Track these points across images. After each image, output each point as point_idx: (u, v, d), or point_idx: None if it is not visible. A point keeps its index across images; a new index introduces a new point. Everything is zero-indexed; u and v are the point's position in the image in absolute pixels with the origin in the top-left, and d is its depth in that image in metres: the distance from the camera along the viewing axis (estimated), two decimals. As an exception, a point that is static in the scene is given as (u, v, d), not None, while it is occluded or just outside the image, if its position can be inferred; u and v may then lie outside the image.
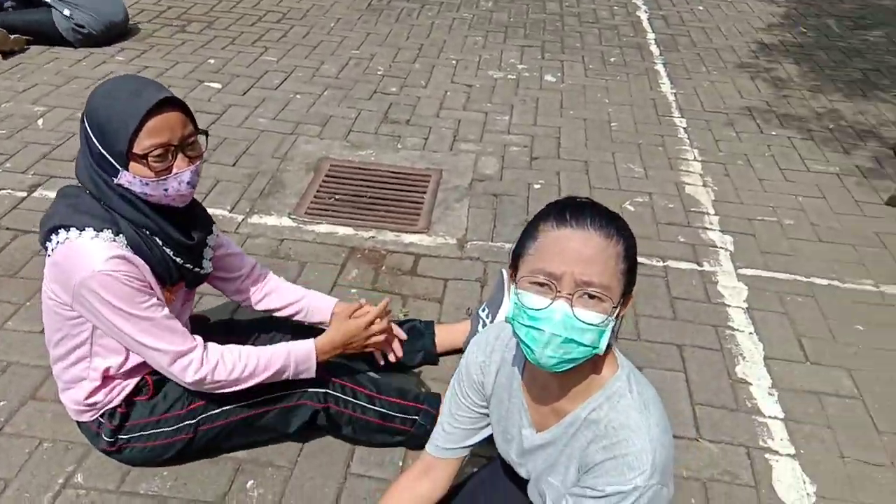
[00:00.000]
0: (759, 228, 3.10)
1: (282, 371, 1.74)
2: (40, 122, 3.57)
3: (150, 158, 1.49)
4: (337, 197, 3.13)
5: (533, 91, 4.31)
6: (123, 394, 1.75)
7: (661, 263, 2.83)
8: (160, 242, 1.61)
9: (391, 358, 1.95)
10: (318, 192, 3.16)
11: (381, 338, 1.89)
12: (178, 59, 4.38)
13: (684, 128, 3.96)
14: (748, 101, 4.36)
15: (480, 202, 3.16)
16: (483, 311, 2.26)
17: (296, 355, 1.75)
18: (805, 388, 2.28)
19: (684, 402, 2.19)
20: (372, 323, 1.85)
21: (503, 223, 3.02)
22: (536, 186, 3.31)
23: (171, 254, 1.64)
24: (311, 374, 1.79)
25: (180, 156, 1.54)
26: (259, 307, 1.99)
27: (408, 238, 2.89)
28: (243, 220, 2.93)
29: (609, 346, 1.23)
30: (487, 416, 1.42)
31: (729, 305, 2.63)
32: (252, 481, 1.86)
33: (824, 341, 2.48)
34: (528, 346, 1.13)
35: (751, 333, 2.50)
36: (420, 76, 4.40)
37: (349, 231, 2.91)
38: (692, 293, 2.67)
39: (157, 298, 1.61)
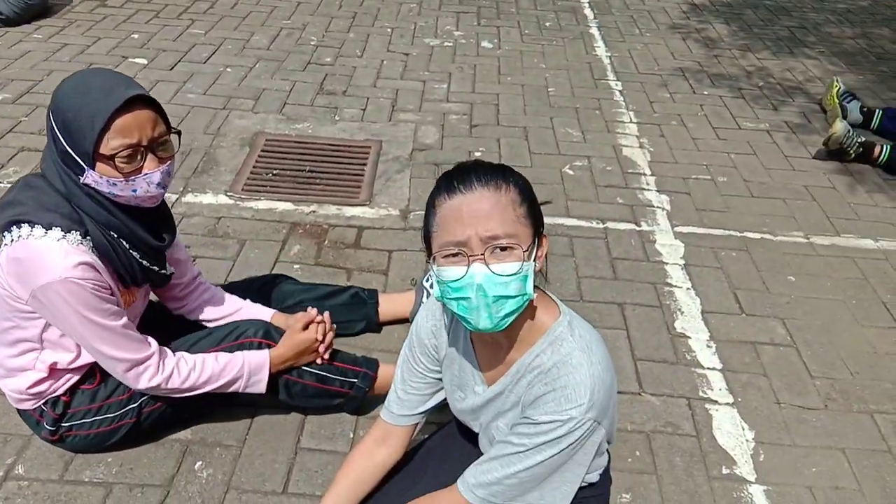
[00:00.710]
0: (693, 187, 3.17)
1: (234, 381, 1.73)
2: (-47, 104, 3.37)
3: (117, 159, 1.42)
4: (275, 172, 3.06)
5: (470, 58, 4.28)
6: (69, 384, 1.70)
7: (600, 225, 2.87)
8: (127, 246, 1.56)
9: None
10: (254, 167, 3.08)
11: (326, 354, 1.88)
12: (100, 35, 4.18)
13: (620, 90, 4.01)
14: (680, 61, 4.43)
15: (422, 172, 3.14)
16: (427, 280, 2.26)
17: (249, 365, 1.74)
18: (741, 338, 2.37)
19: (626, 359, 2.24)
20: (324, 336, 1.85)
21: (445, 192, 3.01)
22: (477, 154, 3.31)
23: (137, 256, 1.59)
24: (262, 387, 1.77)
25: (150, 156, 1.47)
26: (192, 317, 1.93)
27: (350, 211, 2.86)
28: (177, 199, 2.84)
29: (547, 295, 1.28)
30: (440, 380, 1.43)
31: (667, 263, 2.69)
32: (200, 462, 1.83)
33: (758, 293, 2.57)
34: (464, 318, 1.16)
35: (688, 289, 2.57)
36: (355, 45, 4.32)
37: (289, 206, 2.86)
38: (631, 253, 2.73)
39: (118, 306, 1.57)
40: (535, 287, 1.18)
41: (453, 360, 1.38)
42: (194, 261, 2.50)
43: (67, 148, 1.43)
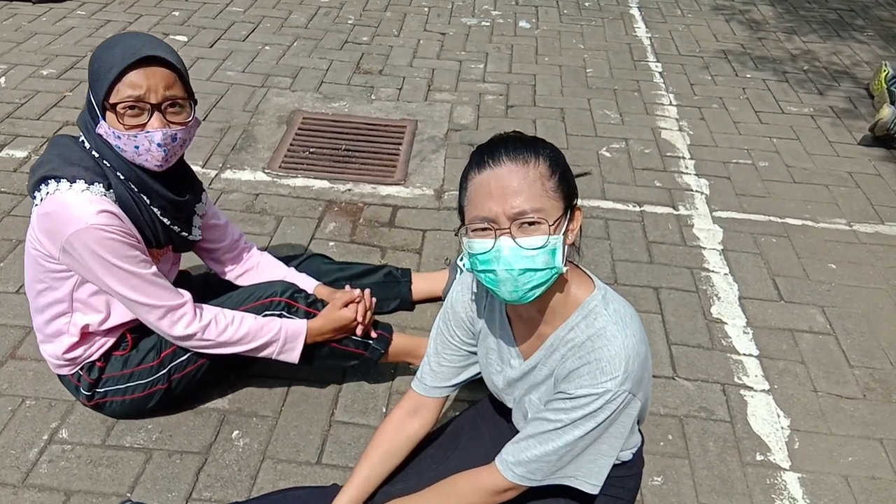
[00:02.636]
0: (734, 171, 3.12)
1: (269, 344, 1.73)
2: (2, 80, 3.45)
3: (119, 109, 1.45)
4: (311, 150, 3.08)
5: (507, 38, 4.24)
6: (103, 349, 1.74)
7: (637, 208, 2.84)
8: (148, 202, 1.59)
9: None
10: (291, 145, 3.11)
11: (361, 330, 1.87)
12: (142, 12, 4.24)
13: (660, 72, 3.94)
14: (723, 43, 4.33)
15: (457, 152, 3.14)
16: (461, 260, 2.26)
17: (286, 331, 1.75)
18: (779, 325, 2.33)
19: (661, 343, 2.22)
20: (364, 315, 1.84)
21: (480, 172, 3.00)
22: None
23: (158, 213, 1.61)
24: (295, 355, 1.77)
25: (157, 115, 1.48)
26: (238, 282, 1.96)
27: (385, 190, 2.87)
28: (216, 175, 2.88)
29: (582, 270, 1.28)
30: (473, 353, 1.44)
31: (704, 248, 2.66)
32: (237, 431, 1.87)
33: (798, 280, 2.53)
34: (493, 289, 1.18)
35: (726, 274, 2.53)
36: (392, 25, 4.31)
37: (325, 184, 2.88)
38: (668, 237, 2.70)
39: (145, 255, 1.60)
40: (569, 261, 1.18)
41: (489, 333, 1.39)
42: (232, 236, 2.54)
43: (90, 96, 1.49)
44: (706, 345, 2.24)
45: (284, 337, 1.75)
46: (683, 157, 3.19)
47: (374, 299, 1.91)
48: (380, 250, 2.55)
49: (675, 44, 4.28)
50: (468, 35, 4.24)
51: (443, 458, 1.53)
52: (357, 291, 1.87)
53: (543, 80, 3.79)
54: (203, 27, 4.10)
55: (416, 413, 1.50)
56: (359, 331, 1.85)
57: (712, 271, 2.54)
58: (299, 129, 3.22)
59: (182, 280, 1.99)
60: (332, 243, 2.56)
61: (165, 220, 1.64)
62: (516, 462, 1.25)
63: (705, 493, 1.79)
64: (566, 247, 1.17)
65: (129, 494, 1.70)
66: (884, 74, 3.67)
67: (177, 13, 4.26)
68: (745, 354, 2.21)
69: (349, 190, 2.85)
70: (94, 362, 1.74)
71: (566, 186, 1.16)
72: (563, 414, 1.19)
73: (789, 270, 2.57)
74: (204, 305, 1.71)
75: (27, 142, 3.00)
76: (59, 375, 1.81)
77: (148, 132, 1.49)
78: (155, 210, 1.61)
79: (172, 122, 1.51)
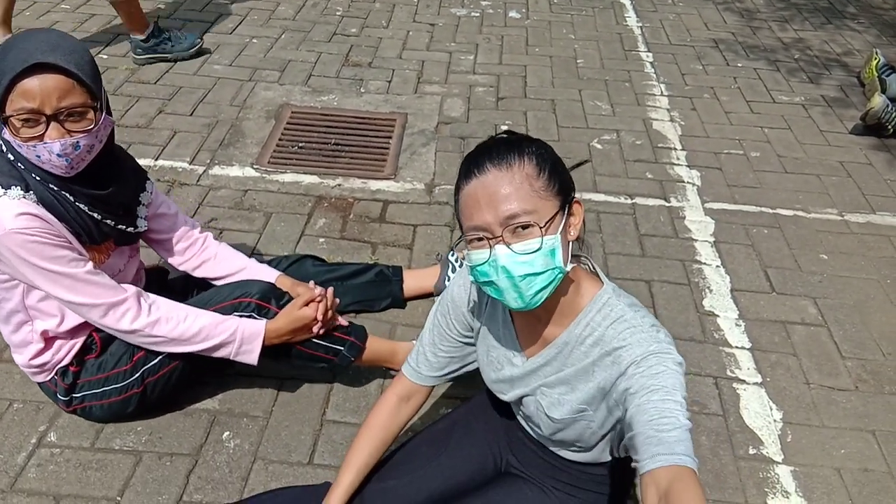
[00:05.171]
0: (725, 162, 3.11)
1: (224, 344, 1.68)
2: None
3: (14, 121, 1.40)
4: (300, 145, 3.06)
5: (497, 28, 4.21)
6: (72, 353, 1.72)
7: (629, 201, 2.83)
8: (72, 198, 1.53)
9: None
10: (280, 140, 3.08)
11: (317, 328, 1.81)
12: (127, 5, 4.17)
13: (651, 62, 3.92)
14: (714, 32, 4.31)
15: (447, 145, 3.12)
16: (452, 255, 2.25)
17: (243, 332, 1.70)
18: (771, 317, 2.33)
19: (654, 337, 2.22)
20: (324, 315, 1.78)
21: (471, 165, 2.98)
22: (503, 127, 3.27)
23: (85, 209, 1.56)
24: (254, 357, 1.72)
25: (54, 126, 1.41)
26: (196, 274, 1.91)
27: (375, 185, 2.85)
28: (204, 171, 2.85)
29: (590, 267, 1.27)
30: (470, 345, 1.44)
31: (696, 240, 2.65)
32: (228, 432, 1.85)
33: (789, 271, 2.52)
34: (499, 299, 1.16)
35: (717, 266, 2.53)
36: (380, 16, 4.27)
37: (315, 179, 2.85)
38: (660, 229, 2.69)
39: (80, 253, 1.56)
40: (574, 256, 1.17)
41: (489, 329, 1.38)
42: (221, 233, 2.52)
43: None
44: (698, 338, 2.23)
45: (241, 338, 1.70)
46: (675, 149, 3.18)
47: (336, 300, 1.85)
48: (370, 246, 2.53)
49: (665, 33, 4.26)
50: (458, 26, 4.21)
51: (435, 455, 1.53)
52: (319, 290, 1.81)
53: (534, 71, 3.76)
54: (189, 20, 4.05)
55: (409, 399, 1.51)
56: (315, 328, 1.78)
57: (704, 263, 2.54)
58: (288, 123, 3.19)
59: (159, 281, 1.96)
60: (322, 240, 2.54)
61: (95, 214, 1.58)
62: (676, 449, 1.02)
63: (698, 488, 1.79)
64: (569, 243, 1.15)
65: (118, 499, 1.68)
66: (875, 62, 3.66)
67: (162, 6, 4.20)
68: (737, 347, 2.21)
69: (339, 185, 2.83)
70: (66, 367, 1.72)
71: (558, 182, 1.14)
72: (659, 391, 1.09)
73: (781, 262, 2.57)
74: (160, 300, 1.67)
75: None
76: (39, 383, 1.80)
77: (46, 143, 1.42)
78: (81, 206, 1.55)
79: (73, 131, 1.43)
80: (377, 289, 2.20)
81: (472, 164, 1.14)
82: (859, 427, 1.98)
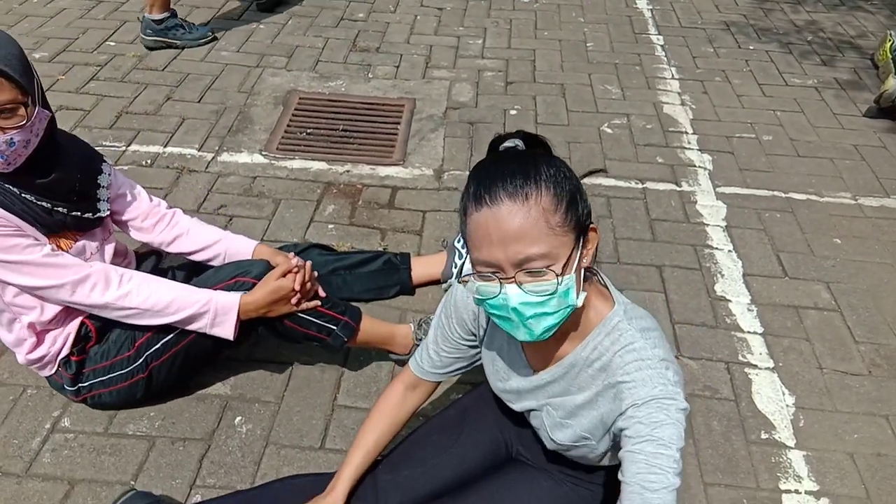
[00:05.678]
0: (737, 146, 3.08)
1: (198, 316, 1.67)
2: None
3: None
4: (309, 131, 3.05)
5: (506, 12, 4.17)
6: (68, 342, 1.72)
7: (639, 185, 2.81)
8: (17, 190, 1.52)
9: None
10: (288, 126, 3.07)
11: (310, 305, 1.78)
12: (134, -8, 4.16)
13: (661, 45, 3.88)
14: (726, 15, 4.26)
15: (456, 131, 3.10)
16: (458, 241, 2.24)
17: (217, 304, 1.67)
18: (783, 302, 2.31)
19: (664, 322, 2.21)
20: (303, 286, 1.74)
21: (480, 152, 2.97)
22: (513, 112, 3.25)
23: (32, 199, 1.55)
24: (229, 330, 1.69)
25: None
26: (171, 250, 1.90)
27: (384, 171, 2.84)
28: (213, 158, 2.85)
29: (601, 284, 1.22)
30: (473, 348, 1.42)
31: (708, 224, 2.63)
32: (240, 417, 1.86)
33: (802, 256, 2.50)
34: (505, 330, 1.12)
35: (729, 251, 2.51)
36: (388, 0, 4.23)
37: (323, 166, 2.84)
38: (671, 214, 2.67)
39: (35, 238, 1.55)
40: (587, 271, 1.12)
41: (494, 340, 1.35)
42: (230, 220, 2.52)
43: None
44: (710, 323, 2.22)
45: (215, 309, 1.67)
46: (686, 133, 3.15)
47: (315, 273, 1.81)
48: (380, 232, 2.52)
49: (676, 15, 4.21)
50: (466, 10, 4.17)
51: (447, 445, 1.52)
52: (296, 260, 1.76)
53: (543, 55, 3.73)
54: (196, 6, 4.03)
55: (415, 388, 1.50)
56: (294, 300, 1.74)
57: (716, 248, 2.52)
58: (296, 109, 3.18)
59: (156, 264, 1.97)
60: (331, 226, 2.54)
61: (44, 203, 1.57)
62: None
63: (710, 473, 1.79)
64: (582, 270, 1.09)
65: (132, 482, 1.69)
66: (889, 44, 3.61)
67: (169, -8, 4.18)
68: (749, 332, 2.20)
69: (347, 171, 2.82)
70: (67, 358, 1.73)
71: (575, 215, 1.05)
72: (645, 427, 1.07)
73: (794, 246, 2.54)
74: (133, 273, 1.66)
75: None
76: (47, 378, 1.81)
77: None
78: (28, 197, 1.54)
79: (5, 128, 1.42)
80: (385, 277, 2.19)
81: (484, 188, 1.04)
82: (872, 412, 1.97)
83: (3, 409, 1.85)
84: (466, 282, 1.11)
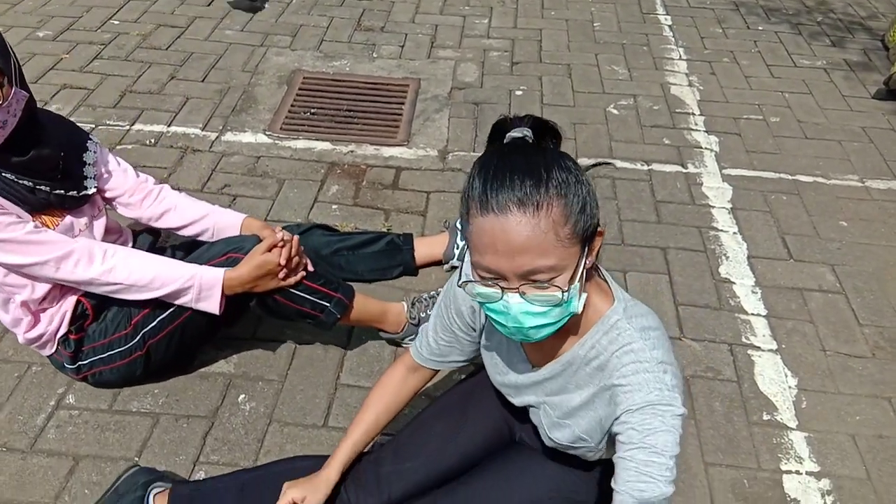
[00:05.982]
0: (744, 127, 3.05)
1: (183, 291, 1.66)
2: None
3: None
4: (313, 111, 3.03)
5: (512, -8, 4.13)
6: (65, 321, 1.73)
7: (645, 167, 2.79)
8: None
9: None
10: (292, 106, 3.06)
11: (296, 278, 1.75)
12: (138, -30, 4.13)
13: (669, 25, 3.84)
14: (735, -5, 4.21)
15: (461, 111, 3.08)
16: (459, 222, 2.23)
17: (201, 279, 1.66)
18: (788, 284, 2.30)
19: (668, 303, 2.20)
20: (289, 260, 1.72)
21: (485, 132, 2.93)
22: (518, 93, 3.22)
23: (13, 178, 1.55)
24: (214, 305, 1.68)
25: None
26: (159, 225, 1.91)
27: (388, 151, 2.83)
28: (217, 138, 2.84)
29: (602, 280, 1.19)
30: (471, 340, 1.40)
31: (713, 206, 2.61)
32: (243, 395, 1.87)
33: (808, 238, 2.49)
34: (502, 333, 1.10)
35: (735, 233, 2.50)
36: (394, -20, 4.19)
37: (327, 146, 2.84)
38: (676, 196, 2.65)
39: (17, 216, 1.55)
40: (589, 270, 1.09)
41: (493, 334, 1.33)
42: (234, 199, 2.52)
43: None
44: (714, 305, 2.21)
45: (199, 284, 1.66)
46: (693, 114, 3.12)
47: (301, 247, 1.79)
48: (383, 213, 2.52)
49: (684, -4, 4.17)
50: (472, -11, 4.13)
51: (451, 434, 1.50)
52: (281, 234, 1.74)
53: (549, 34, 3.69)
54: (200, -15, 4.00)
55: (416, 370, 1.50)
56: (281, 275, 1.72)
57: (721, 230, 2.51)
58: (300, 89, 3.17)
59: (152, 242, 1.98)
60: (335, 206, 2.53)
61: (26, 182, 1.57)
62: None
63: (711, 453, 1.79)
64: (585, 271, 1.04)
65: (136, 459, 1.71)
66: (900, 25, 3.56)
67: (173, -29, 4.15)
68: (753, 314, 2.19)
69: (352, 151, 2.81)
70: (66, 336, 1.74)
71: (585, 224, 1.00)
72: (639, 434, 1.05)
73: (799, 228, 2.53)
74: (118, 248, 1.67)
75: None
76: (48, 357, 1.82)
77: None
78: (8, 176, 1.54)
79: None
80: (388, 258, 2.19)
81: (491, 192, 0.96)
82: (875, 394, 1.97)
83: (9, 386, 1.86)
84: (465, 285, 1.06)
